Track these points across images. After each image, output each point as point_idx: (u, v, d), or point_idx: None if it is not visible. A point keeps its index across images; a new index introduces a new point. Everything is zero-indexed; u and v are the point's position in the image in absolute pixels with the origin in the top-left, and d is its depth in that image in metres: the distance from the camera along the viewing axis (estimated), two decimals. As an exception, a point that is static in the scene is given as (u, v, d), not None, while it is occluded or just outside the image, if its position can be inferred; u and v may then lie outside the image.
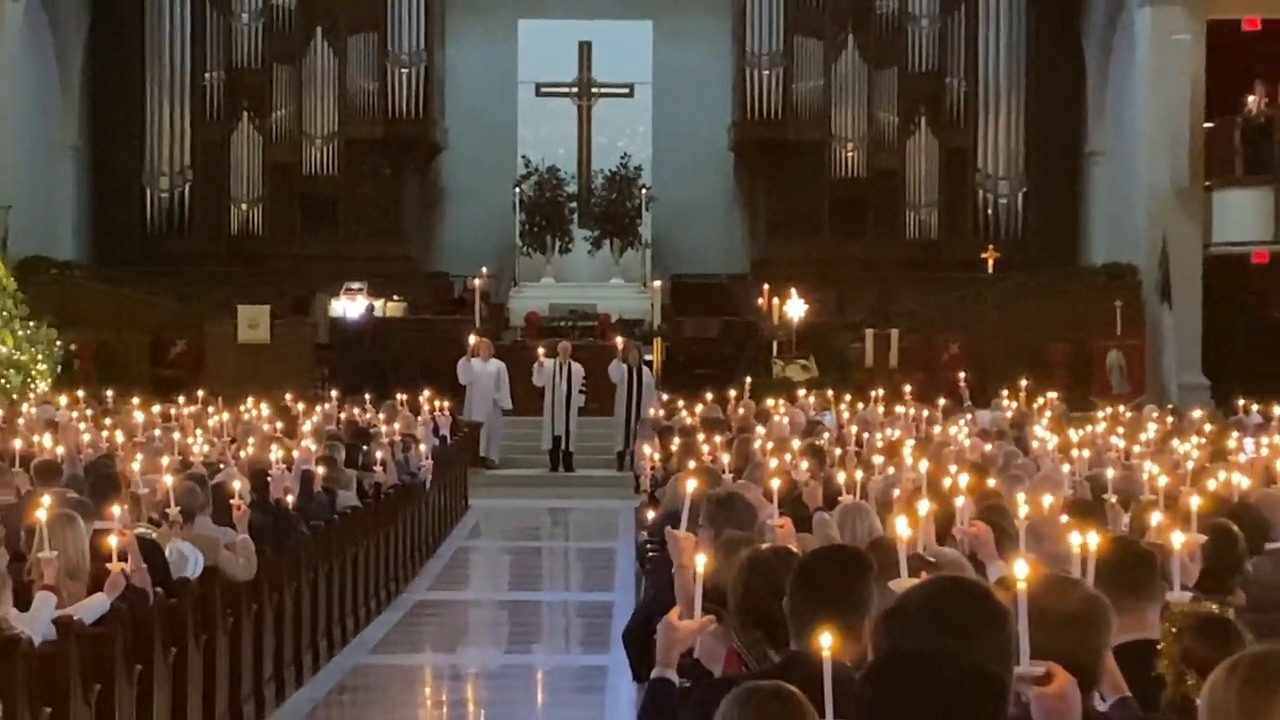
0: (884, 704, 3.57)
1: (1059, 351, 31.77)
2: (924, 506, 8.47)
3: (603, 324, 33.91)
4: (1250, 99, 32.21)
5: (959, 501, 9.15)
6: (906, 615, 4.34)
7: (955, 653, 3.67)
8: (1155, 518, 8.85)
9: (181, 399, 24.24)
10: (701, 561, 6.49)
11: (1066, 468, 13.45)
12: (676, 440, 18.47)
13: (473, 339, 30.13)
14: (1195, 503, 8.68)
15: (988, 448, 16.40)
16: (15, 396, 24.98)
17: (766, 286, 33.11)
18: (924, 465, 11.05)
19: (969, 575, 6.55)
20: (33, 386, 26.63)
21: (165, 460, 14.00)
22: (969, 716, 3.50)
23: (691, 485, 8.88)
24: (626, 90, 37.37)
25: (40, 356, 27.59)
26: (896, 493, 10.80)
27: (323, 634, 15.52)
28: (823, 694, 4.91)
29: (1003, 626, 4.35)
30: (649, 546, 12.17)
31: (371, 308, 33.34)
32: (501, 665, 16.51)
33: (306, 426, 20.64)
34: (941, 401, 24.01)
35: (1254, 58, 32.93)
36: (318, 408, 23.94)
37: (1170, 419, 21.60)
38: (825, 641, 4.78)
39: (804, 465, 13.17)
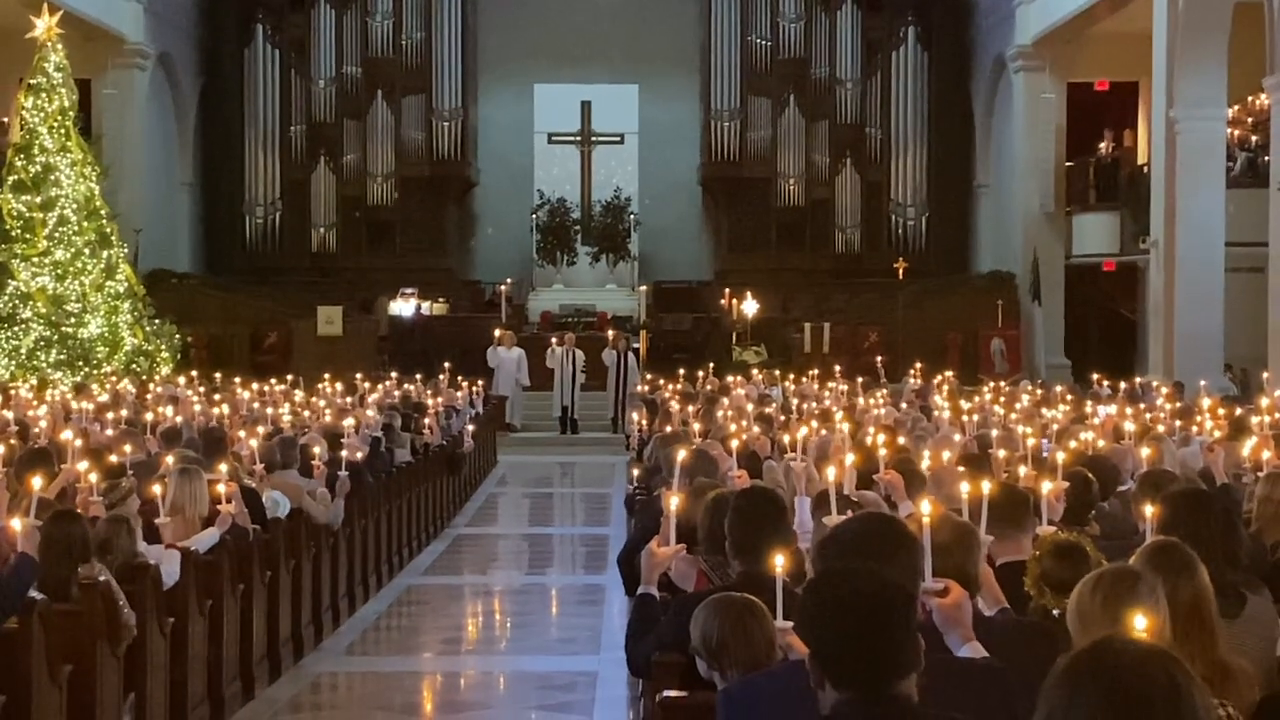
0: (820, 609, 3.57)
1: (954, 339, 31.80)
2: (849, 459, 8.46)
3: (601, 320, 33.89)
4: (1101, 144, 32.24)
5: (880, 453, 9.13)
6: (838, 542, 4.34)
7: (874, 571, 3.67)
8: (1023, 470, 8.86)
9: (274, 379, 24.19)
10: (674, 503, 6.50)
11: (958, 436, 13.44)
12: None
13: (498, 332, 30.13)
14: (1060, 457, 8.67)
15: (898, 413, 16.39)
16: (145, 378, 24.94)
17: (727, 290, 33.13)
18: (848, 427, 11.04)
19: (886, 512, 6.55)
20: (158, 370, 26.60)
21: (260, 428, 13.96)
22: (885, 619, 3.50)
23: (681, 454, 8.82)
24: (618, 139, 37.32)
25: (164, 347, 27.56)
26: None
27: (385, 560, 15.51)
28: (771, 602, 4.94)
29: (911, 551, 4.35)
30: (637, 493, 12.16)
31: (420, 307, 33.32)
32: (523, 584, 16.48)
33: (371, 400, 20.62)
34: (863, 378, 24.00)
35: (1103, 112, 32.99)
36: (380, 385, 23.91)
37: (1040, 391, 21.59)
38: (778, 561, 4.80)
39: (756, 429, 13.16)
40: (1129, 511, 8.04)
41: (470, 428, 22.18)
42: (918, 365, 25.28)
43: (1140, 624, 3.23)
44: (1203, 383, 19.83)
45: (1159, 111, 25.39)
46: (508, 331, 30.29)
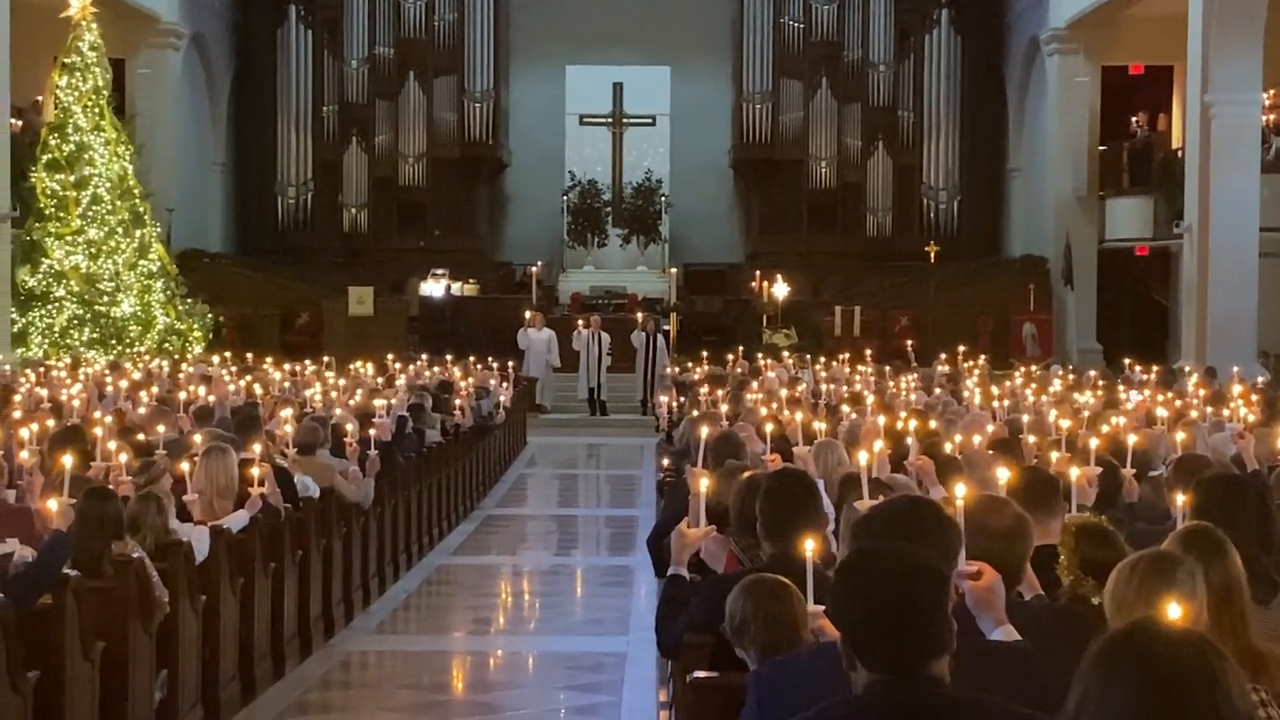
0: (852, 590, 3.57)
1: (985, 323, 31.70)
2: (878, 444, 8.44)
3: (631, 302, 33.90)
4: (1133, 118, 32.05)
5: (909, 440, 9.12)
6: (872, 524, 4.34)
7: (907, 552, 3.67)
8: (1054, 455, 8.82)
9: (306, 359, 24.26)
10: (704, 484, 6.51)
11: (991, 426, 13.35)
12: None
13: (528, 313, 30.17)
14: (1094, 443, 8.63)
15: (929, 398, 16.35)
16: (177, 357, 25.06)
17: (758, 273, 33.06)
18: (884, 420, 11.00)
19: (921, 494, 6.54)
20: (190, 349, 26.72)
21: (289, 410, 13.98)
22: (917, 600, 3.50)
23: (705, 431, 8.85)
24: (650, 120, 37.29)
25: (196, 326, 27.67)
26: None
27: (414, 540, 15.56)
28: (801, 583, 4.95)
29: (945, 534, 4.34)
30: (667, 476, 12.17)
31: (451, 288, 33.36)
32: (551, 564, 16.52)
33: (401, 380, 20.65)
34: (891, 364, 23.92)
35: (1138, 95, 32.81)
36: (410, 366, 23.96)
37: (1071, 376, 21.51)
38: (808, 546, 4.81)
39: (786, 412, 13.13)
40: (1161, 497, 8.01)
41: (502, 399, 22.26)
42: (961, 349, 25.13)
43: (1175, 611, 3.21)
44: (1235, 368, 19.74)
45: (1193, 95, 25.24)
46: (537, 313, 30.33)
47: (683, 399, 19.56)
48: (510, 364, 27.15)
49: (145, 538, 8.43)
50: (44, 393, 15.65)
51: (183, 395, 15.42)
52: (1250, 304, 24.13)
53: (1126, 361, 23.22)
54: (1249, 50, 24.11)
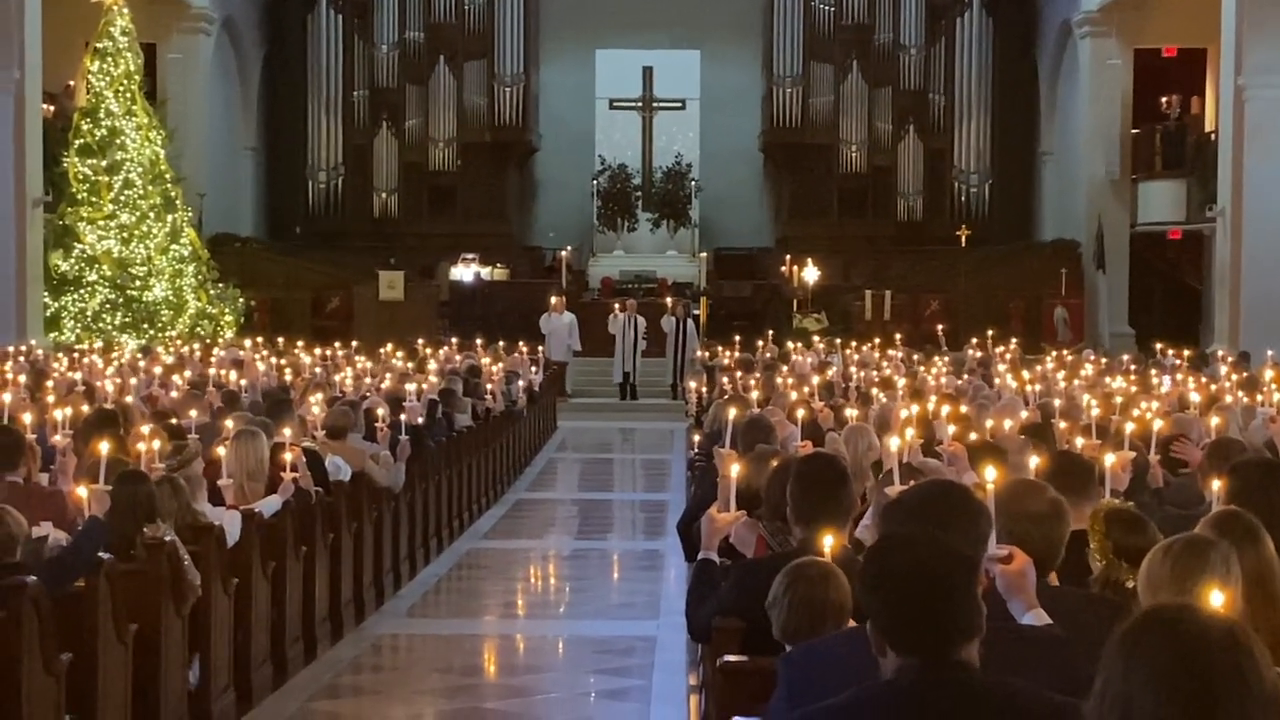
0: (881, 575, 3.57)
1: (1017, 308, 31.59)
2: (909, 430, 8.42)
3: (661, 286, 33.87)
4: (1164, 99, 31.86)
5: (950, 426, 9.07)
6: (901, 508, 4.33)
7: (935, 537, 3.66)
8: (1080, 440, 8.78)
9: (337, 344, 24.32)
10: (735, 469, 6.50)
11: (1024, 412, 13.26)
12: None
13: (552, 299, 30.20)
14: (1129, 428, 8.59)
15: (959, 382, 16.29)
16: (208, 341, 25.15)
17: (788, 257, 33.01)
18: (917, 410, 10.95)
19: (950, 479, 6.51)
20: (222, 333, 26.82)
21: (320, 395, 14.02)
22: (947, 585, 3.49)
23: (732, 413, 8.84)
24: (680, 104, 37.23)
25: (227, 310, 27.78)
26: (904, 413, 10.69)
27: (445, 524, 15.59)
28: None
29: (975, 519, 4.33)
30: (696, 459, 12.16)
31: (480, 274, 33.39)
32: (582, 548, 16.51)
33: (431, 365, 20.68)
34: (922, 349, 23.84)
35: (1170, 78, 32.61)
36: (440, 350, 23.98)
37: (1103, 361, 21.41)
38: (827, 542, 4.80)
39: (818, 399, 13.11)
40: (1196, 482, 7.98)
41: (522, 384, 22.28)
42: (991, 333, 25.03)
43: (1218, 598, 3.18)
44: (1269, 352, 19.62)
45: (1227, 78, 25.09)
46: (559, 298, 30.31)
47: (713, 383, 19.55)
48: (540, 349, 27.18)
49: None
50: (77, 376, 15.72)
51: (213, 377, 15.45)
52: (1284, 288, 23.99)
53: (1158, 346, 23.11)
54: (1283, 32, 23.95)
